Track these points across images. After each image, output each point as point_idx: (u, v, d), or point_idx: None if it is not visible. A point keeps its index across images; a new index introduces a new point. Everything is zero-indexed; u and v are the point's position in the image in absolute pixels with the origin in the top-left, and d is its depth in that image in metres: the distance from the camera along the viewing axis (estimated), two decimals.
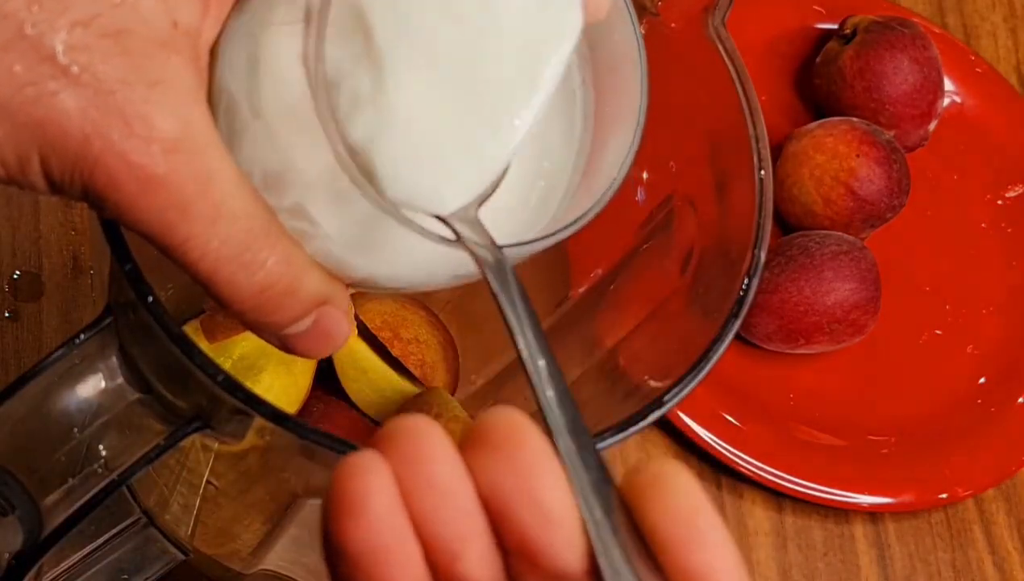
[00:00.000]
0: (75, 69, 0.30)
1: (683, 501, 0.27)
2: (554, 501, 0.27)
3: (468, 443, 0.27)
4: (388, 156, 0.32)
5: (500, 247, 0.32)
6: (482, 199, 0.33)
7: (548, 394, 0.29)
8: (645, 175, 0.50)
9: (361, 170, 0.32)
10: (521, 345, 0.29)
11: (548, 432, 0.28)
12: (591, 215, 0.34)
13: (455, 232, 0.32)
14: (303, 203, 0.34)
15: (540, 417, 0.28)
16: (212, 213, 0.32)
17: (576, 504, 0.27)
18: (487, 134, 0.32)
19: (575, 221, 0.34)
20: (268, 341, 0.36)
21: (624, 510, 0.27)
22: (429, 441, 0.27)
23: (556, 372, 0.29)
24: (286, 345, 0.35)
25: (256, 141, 0.33)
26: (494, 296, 0.31)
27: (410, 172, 0.32)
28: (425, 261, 0.35)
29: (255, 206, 0.33)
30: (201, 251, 0.32)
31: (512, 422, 0.27)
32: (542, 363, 0.29)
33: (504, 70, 0.32)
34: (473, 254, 0.32)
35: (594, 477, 0.28)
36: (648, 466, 0.28)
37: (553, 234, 0.34)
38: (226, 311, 0.34)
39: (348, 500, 0.27)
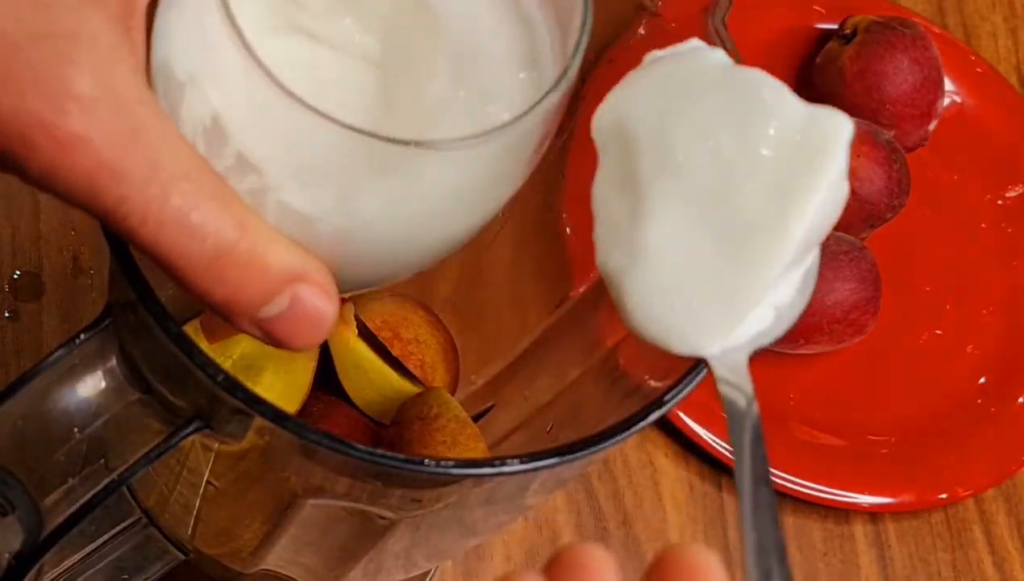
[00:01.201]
0: None
1: None
2: None
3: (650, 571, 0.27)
4: (637, 290, 0.33)
5: (753, 399, 0.33)
6: (755, 347, 0.34)
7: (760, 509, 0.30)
8: None
9: (611, 288, 0.33)
10: (746, 508, 0.30)
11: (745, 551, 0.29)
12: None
13: (711, 369, 0.33)
14: (245, 151, 0.32)
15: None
16: (145, 172, 0.30)
17: None
18: (736, 280, 0.33)
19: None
20: (249, 332, 0.33)
21: None
22: (591, 566, 0.27)
23: (779, 546, 0.29)
24: (267, 333, 0.33)
25: (193, 100, 0.32)
26: (734, 444, 0.31)
27: (657, 310, 0.33)
28: (407, 214, 0.33)
29: (199, 168, 0.31)
30: (140, 215, 0.30)
31: (697, 562, 0.27)
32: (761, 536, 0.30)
33: (756, 214, 0.33)
34: (723, 396, 0.32)
35: None
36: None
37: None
38: (187, 293, 0.32)
39: None
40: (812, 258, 0.36)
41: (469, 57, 0.35)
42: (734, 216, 0.33)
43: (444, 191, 0.33)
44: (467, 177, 0.33)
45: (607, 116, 0.35)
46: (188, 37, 0.32)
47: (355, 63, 0.35)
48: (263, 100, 0.30)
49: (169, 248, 0.30)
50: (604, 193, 0.34)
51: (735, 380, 0.33)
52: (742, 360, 0.33)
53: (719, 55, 0.35)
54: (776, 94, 0.33)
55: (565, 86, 0.32)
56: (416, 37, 0.35)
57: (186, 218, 0.30)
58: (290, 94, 0.30)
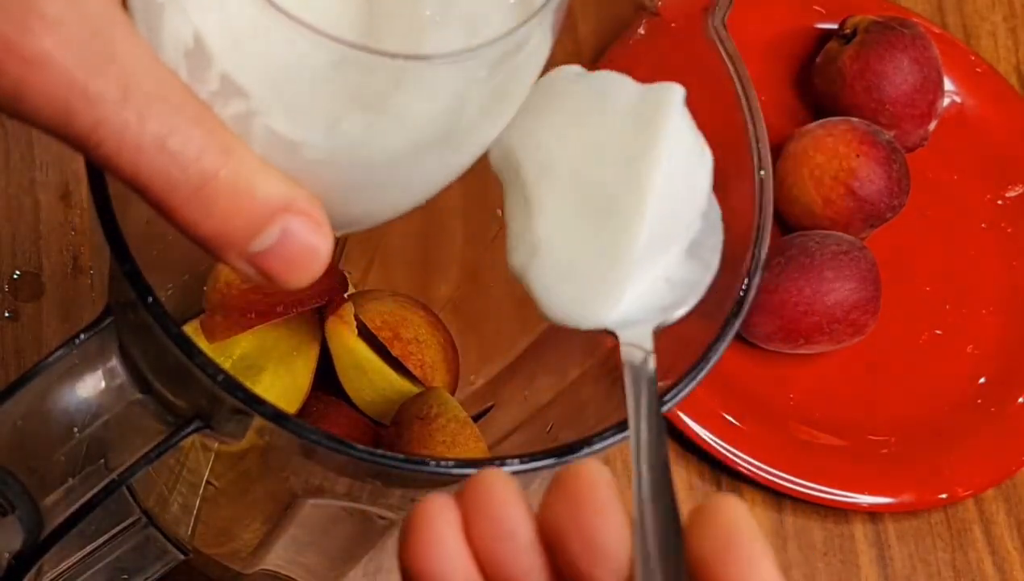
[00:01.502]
0: None
1: (724, 518, 0.28)
2: (606, 539, 0.28)
3: (548, 491, 0.29)
4: (539, 279, 0.36)
5: (651, 354, 0.34)
6: (664, 320, 0.36)
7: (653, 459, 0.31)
8: None
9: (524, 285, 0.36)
10: (633, 441, 0.31)
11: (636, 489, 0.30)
12: None
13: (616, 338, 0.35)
14: (229, 72, 0.30)
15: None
16: (119, 94, 0.28)
17: (633, 542, 0.29)
18: (609, 253, 0.35)
19: None
20: (241, 270, 0.31)
21: (680, 548, 0.29)
22: (497, 486, 0.29)
23: (670, 487, 0.30)
24: (258, 269, 0.31)
25: (173, 22, 0.31)
26: (628, 398, 0.33)
27: (557, 293, 0.36)
28: (396, 139, 0.32)
29: (177, 90, 0.29)
30: (116, 141, 0.28)
31: (586, 470, 0.29)
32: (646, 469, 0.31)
33: (615, 188, 0.35)
34: (623, 355, 0.34)
35: (663, 539, 0.29)
36: (707, 502, 0.29)
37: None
38: (173, 226, 0.30)
39: (419, 535, 0.29)
40: (698, 229, 0.38)
41: None
42: (600, 196, 0.36)
43: (432, 114, 0.32)
44: (456, 98, 0.32)
45: (495, 149, 0.37)
46: None
47: None
48: (248, 17, 0.29)
49: (149, 176, 0.29)
50: (511, 212, 0.37)
51: (638, 344, 0.35)
52: (646, 332, 0.35)
53: (573, 68, 0.38)
54: (616, 83, 0.37)
55: (556, 3, 0.32)
56: None
57: (165, 143, 0.29)
58: (277, 8, 0.29)
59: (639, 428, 0.32)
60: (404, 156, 0.33)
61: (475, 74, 0.32)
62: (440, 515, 0.29)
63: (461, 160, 0.36)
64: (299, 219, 0.31)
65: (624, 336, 0.35)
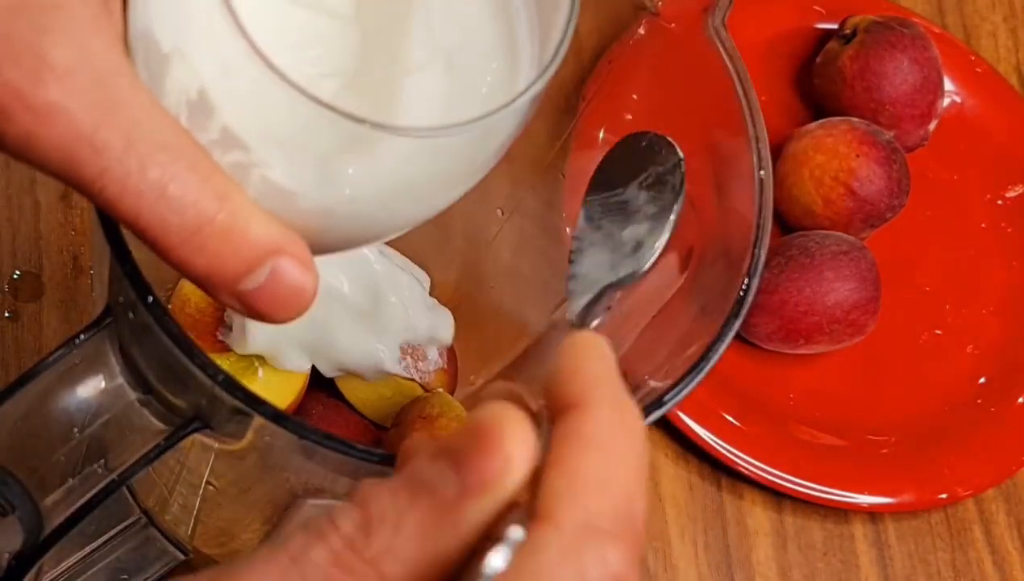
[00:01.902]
0: None
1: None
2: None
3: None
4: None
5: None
6: None
7: None
8: None
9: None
10: None
11: None
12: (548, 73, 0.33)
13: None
14: (230, 125, 0.31)
15: None
16: (123, 143, 0.29)
17: None
18: None
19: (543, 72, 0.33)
20: (231, 306, 0.33)
21: None
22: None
23: None
24: (247, 306, 0.33)
25: (177, 73, 0.31)
26: None
27: None
28: (382, 189, 0.33)
29: (178, 138, 0.30)
30: (119, 187, 0.30)
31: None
32: None
33: None
34: None
35: None
36: None
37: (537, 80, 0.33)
38: (169, 265, 0.32)
39: None
40: None
41: (444, 21, 0.35)
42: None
43: (412, 170, 0.33)
44: (432, 161, 0.33)
45: None
46: (171, 7, 0.31)
47: (332, 22, 0.35)
48: (247, 72, 0.30)
49: (148, 220, 0.30)
50: None
51: None
52: None
53: None
54: None
55: (537, 89, 0.33)
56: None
57: (165, 190, 0.30)
58: (271, 66, 0.30)
59: None
60: (392, 201, 0.34)
61: (448, 143, 0.33)
62: None
63: (450, 196, 0.36)
64: (287, 260, 0.32)
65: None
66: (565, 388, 0.29)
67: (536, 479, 0.28)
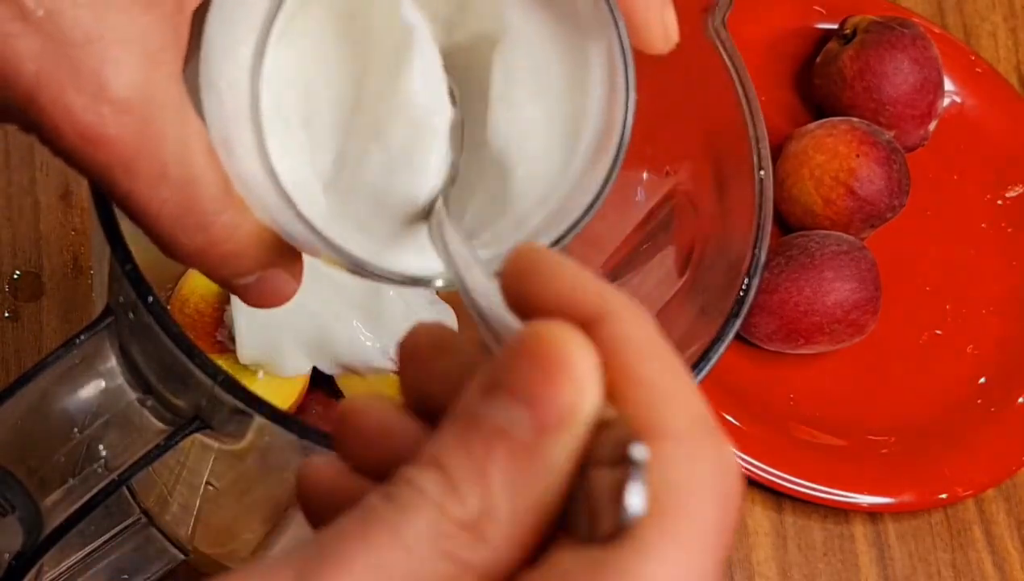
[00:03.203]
0: (40, 13, 0.30)
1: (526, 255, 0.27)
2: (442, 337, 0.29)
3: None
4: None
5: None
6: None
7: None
8: (645, 175, 0.50)
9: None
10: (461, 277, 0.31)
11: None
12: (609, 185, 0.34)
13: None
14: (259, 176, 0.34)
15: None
16: (156, 175, 0.32)
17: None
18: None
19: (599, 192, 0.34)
20: (214, 282, 0.36)
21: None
22: (361, 410, 0.29)
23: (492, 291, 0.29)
24: (233, 291, 0.36)
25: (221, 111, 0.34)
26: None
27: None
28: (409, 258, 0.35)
29: (206, 172, 0.33)
30: (142, 207, 0.32)
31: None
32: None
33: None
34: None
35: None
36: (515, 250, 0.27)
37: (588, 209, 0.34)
38: (169, 257, 0.34)
39: (302, 489, 0.29)
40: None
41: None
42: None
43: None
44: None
45: None
46: (225, 68, 0.33)
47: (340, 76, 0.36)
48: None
49: (160, 234, 0.33)
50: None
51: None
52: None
53: None
54: None
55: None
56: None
57: (183, 218, 0.33)
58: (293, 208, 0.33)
59: (453, 268, 0.31)
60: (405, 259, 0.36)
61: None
62: (320, 465, 0.29)
63: None
64: (276, 271, 0.35)
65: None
66: (588, 301, 0.26)
67: (612, 393, 0.25)
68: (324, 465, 0.29)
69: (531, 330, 0.25)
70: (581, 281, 0.26)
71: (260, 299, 0.36)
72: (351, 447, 0.28)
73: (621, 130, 0.34)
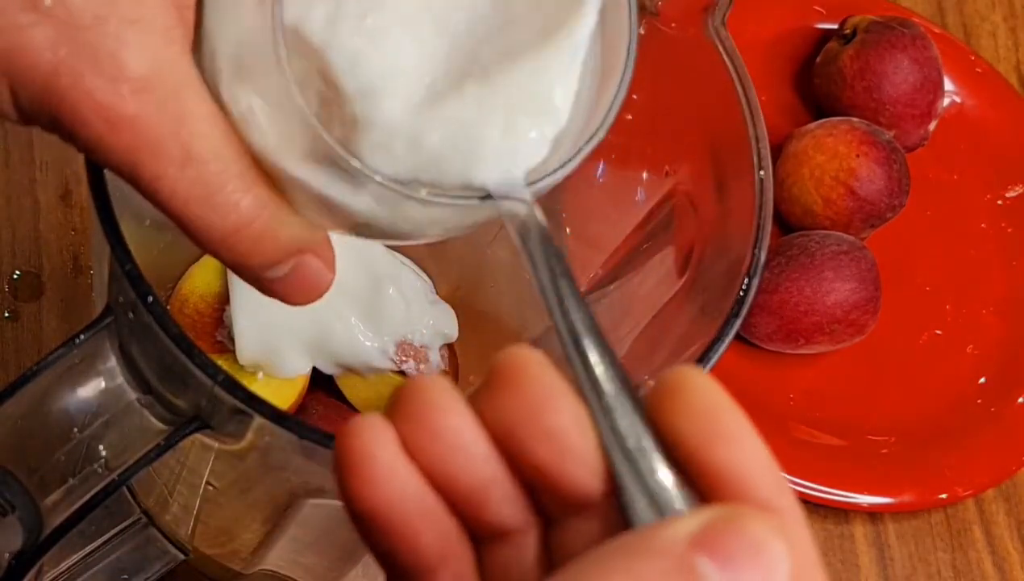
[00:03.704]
0: (48, 2, 0.30)
1: (702, 399, 0.26)
2: (567, 426, 0.26)
3: (480, 389, 0.27)
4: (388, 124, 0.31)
5: (533, 206, 0.31)
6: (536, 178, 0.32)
7: (565, 303, 0.28)
8: (645, 175, 0.50)
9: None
10: (551, 304, 0.29)
11: (564, 346, 0.28)
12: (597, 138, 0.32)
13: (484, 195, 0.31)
14: (270, 145, 0.32)
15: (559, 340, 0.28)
16: (182, 154, 0.32)
17: (591, 419, 0.26)
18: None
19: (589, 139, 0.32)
20: (249, 283, 0.35)
21: (647, 424, 0.26)
22: (431, 395, 0.26)
23: (573, 287, 0.28)
24: (265, 288, 0.35)
25: (231, 89, 0.33)
26: (527, 254, 0.30)
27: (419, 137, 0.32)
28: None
29: (229, 149, 0.33)
30: (171, 190, 0.32)
31: (517, 358, 0.27)
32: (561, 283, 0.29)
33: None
34: (505, 212, 0.31)
35: (614, 388, 0.27)
36: (665, 373, 0.26)
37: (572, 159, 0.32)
38: (200, 248, 0.34)
39: (352, 460, 0.26)
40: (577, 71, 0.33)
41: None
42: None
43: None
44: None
45: None
46: (238, 31, 0.33)
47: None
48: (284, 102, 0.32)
49: (192, 219, 0.33)
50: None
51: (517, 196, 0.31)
52: (519, 181, 0.32)
53: None
54: None
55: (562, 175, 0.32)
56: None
57: (212, 197, 0.32)
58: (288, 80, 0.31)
59: (550, 294, 0.28)
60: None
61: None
62: (376, 440, 0.26)
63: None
64: (310, 257, 0.35)
65: (499, 190, 0.31)
66: (764, 488, 0.26)
67: None
68: (388, 452, 0.26)
69: (745, 522, 0.25)
70: (765, 462, 0.27)
71: (298, 292, 0.35)
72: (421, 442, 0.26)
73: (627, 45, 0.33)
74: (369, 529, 0.26)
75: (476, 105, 0.31)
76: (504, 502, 0.27)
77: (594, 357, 0.27)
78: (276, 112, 0.32)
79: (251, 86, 0.32)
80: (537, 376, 0.26)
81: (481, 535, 0.27)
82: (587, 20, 0.32)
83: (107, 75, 0.31)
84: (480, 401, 0.27)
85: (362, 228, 0.34)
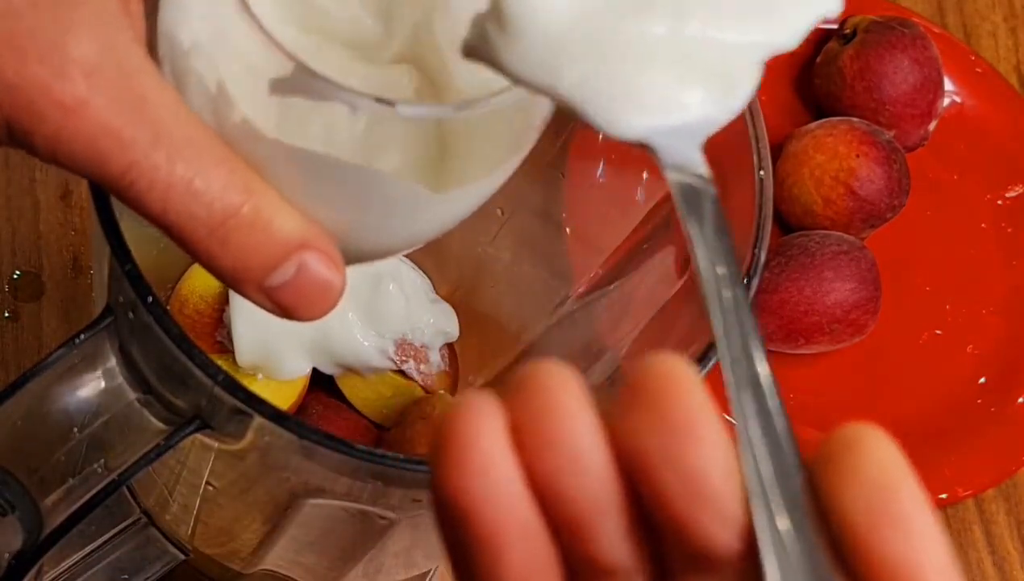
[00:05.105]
0: None
1: (878, 474, 0.22)
2: (709, 467, 0.22)
3: (619, 399, 0.23)
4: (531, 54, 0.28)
5: (709, 179, 0.27)
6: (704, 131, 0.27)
7: (728, 321, 0.24)
8: (645, 175, 0.50)
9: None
10: (701, 254, 0.25)
11: (726, 363, 0.24)
12: None
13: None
14: (249, 117, 0.31)
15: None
16: (150, 137, 0.30)
17: (742, 472, 0.22)
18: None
19: None
20: (258, 302, 0.32)
21: (806, 488, 0.22)
22: (556, 394, 0.22)
23: (744, 300, 0.24)
24: (275, 302, 0.32)
25: (197, 68, 0.32)
26: (689, 231, 0.26)
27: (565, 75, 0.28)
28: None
29: (203, 133, 0.30)
30: (147, 181, 0.30)
31: (669, 372, 0.22)
32: (726, 284, 0.24)
33: None
34: (673, 182, 0.27)
35: (772, 441, 0.23)
36: (840, 430, 0.22)
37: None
38: (194, 257, 0.32)
39: (450, 438, 0.22)
40: None
41: None
42: None
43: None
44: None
45: None
46: (200, 13, 0.32)
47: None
48: (263, 60, 0.30)
49: (176, 213, 0.30)
50: None
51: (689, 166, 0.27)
52: (694, 146, 0.28)
53: None
54: None
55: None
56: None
57: (191, 183, 0.30)
58: (278, 47, 0.30)
59: (718, 297, 0.24)
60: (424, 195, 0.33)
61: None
62: (483, 424, 0.22)
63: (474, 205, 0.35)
64: (314, 255, 0.32)
65: (667, 154, 0.27)
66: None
67: None
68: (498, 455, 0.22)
69: None
70: (943, 562, 0.22)
71: (306, 301, 0.32)
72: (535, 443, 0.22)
73: None
74: (450, 525, 0.22)
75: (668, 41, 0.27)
76: (616, 538, 0.23)
77: (765, 382, 0.23)
78: (247, 75, 0.31)
79: (218, 55, 0.31)
80: (685, 396, 0.22)
81: (578, 568, 0.23)
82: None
83: (53, 59, 0.29)
84: (611, 412, 0.23)
85: (353, 223, 0.33)
